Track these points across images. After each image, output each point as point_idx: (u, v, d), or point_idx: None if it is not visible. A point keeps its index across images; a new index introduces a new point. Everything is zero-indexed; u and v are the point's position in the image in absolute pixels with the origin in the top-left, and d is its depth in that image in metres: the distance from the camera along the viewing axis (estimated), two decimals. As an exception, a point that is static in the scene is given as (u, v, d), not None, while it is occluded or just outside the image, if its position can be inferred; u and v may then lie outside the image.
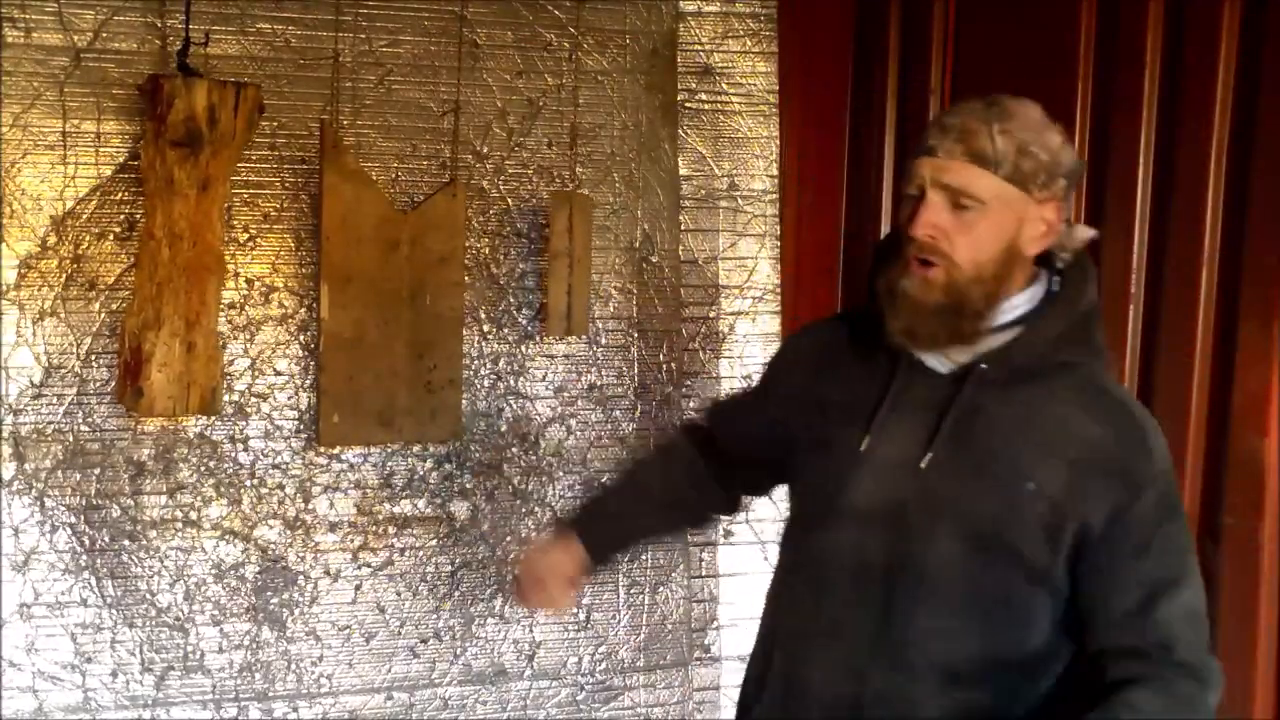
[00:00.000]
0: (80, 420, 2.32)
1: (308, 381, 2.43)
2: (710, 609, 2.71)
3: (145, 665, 2.38)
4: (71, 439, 2.32)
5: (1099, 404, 1.55)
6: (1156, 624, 1.51)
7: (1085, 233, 1.62)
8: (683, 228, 2.65)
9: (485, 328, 2.53)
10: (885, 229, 2.78)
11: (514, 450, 2.57)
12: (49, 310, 2.30)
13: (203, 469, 2.39)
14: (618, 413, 2.63)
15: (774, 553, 2.72)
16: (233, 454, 2.40)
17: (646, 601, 2.66)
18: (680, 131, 2.64)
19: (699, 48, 2.65)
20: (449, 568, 2.54)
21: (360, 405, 2.39)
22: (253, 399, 2.41)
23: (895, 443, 1.56)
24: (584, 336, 2.57)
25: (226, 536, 2.41)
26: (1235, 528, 2.11)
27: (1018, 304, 1.56)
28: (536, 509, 2.58)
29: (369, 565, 2.49)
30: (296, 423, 2.43)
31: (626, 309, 2.62)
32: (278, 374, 2.42)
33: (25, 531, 2.31)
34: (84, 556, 2.33)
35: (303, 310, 2.42)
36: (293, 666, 2.46)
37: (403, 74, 2.45)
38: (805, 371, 1.70)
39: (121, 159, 2.31)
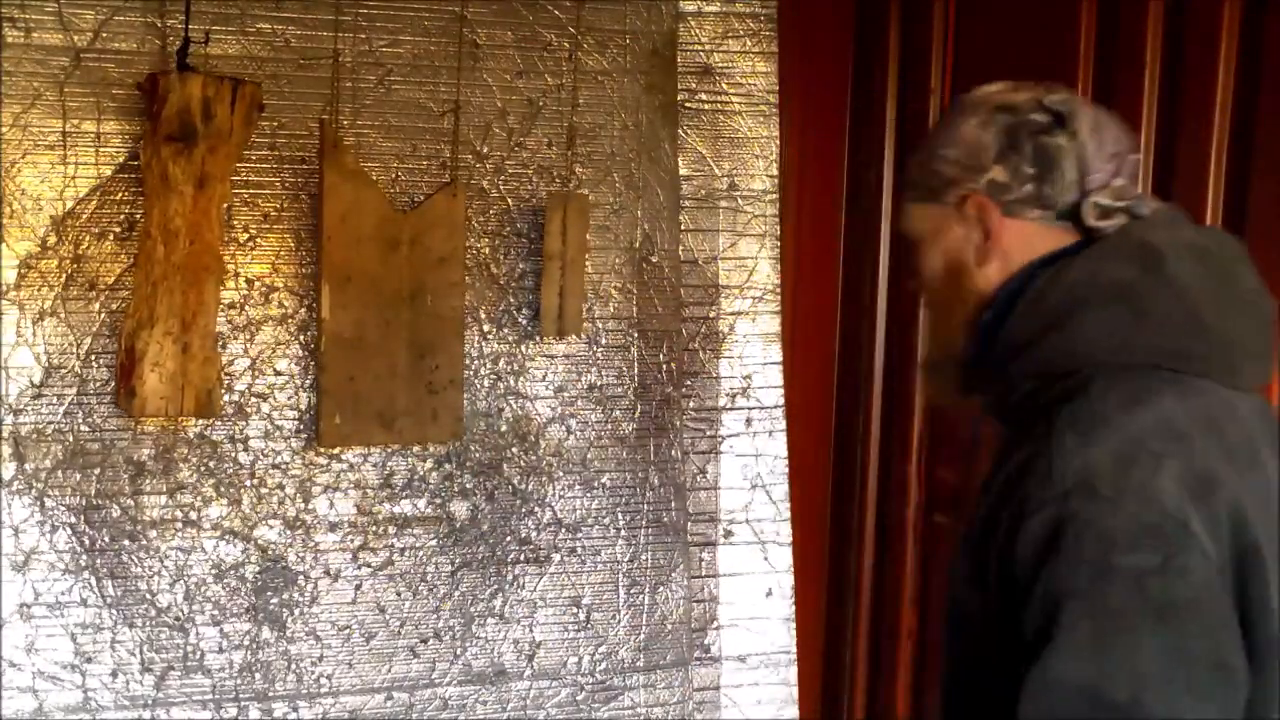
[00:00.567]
0: (80, 420, 2.32)
1: (308, 382, 2.43)
2: (710, 609, 2.71)
3: (145, 665, 2.38)
4: (71, 439, 2.32)
5: (1038, 422, 1.32)
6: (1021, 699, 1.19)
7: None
8: (683, 228, 2.65)
9: (485, 328, 2.53)
10: (885, 229, 2.79)
11: (514, 450, 2.57)
12: (49, 310, 2.30)
13: (203, 469, 2.39)
14: (618, 413, 2.63)
15: (774, 553, 2.74)
16: (233, 454, 2.41)
17: (646, 601, 2.66)
18: (680, 131, 2.64)
19: (699, 48, 2.65)
20: (449, 568, 2.54)
21: (361, 406, 2.39)
22: (253, 399, 2.41)
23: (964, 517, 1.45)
24: (584, 337, 2.57)
25: (226, 536, 2.41)
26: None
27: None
28: (536, 509, 2.58)
29: (369, 565, 2.50)
30: (296, 423, 2.43)
31: (626, 309, 2.62)
32: (278, 374, 2.42)
33: (25, 531, 2.31)
34: (84, 556, 2.33)
35: (303, 310, 2.42)
36: (293, 666, 2.46)
37: (403, 74, 2.45)
38: None
39: (121, 159, 2.31)
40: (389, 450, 2.49)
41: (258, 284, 2.40)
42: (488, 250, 2.53)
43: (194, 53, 2.23)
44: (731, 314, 2.69)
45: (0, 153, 2.25)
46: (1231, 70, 2.08)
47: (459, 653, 2.56)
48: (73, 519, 2.32)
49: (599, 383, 2.61)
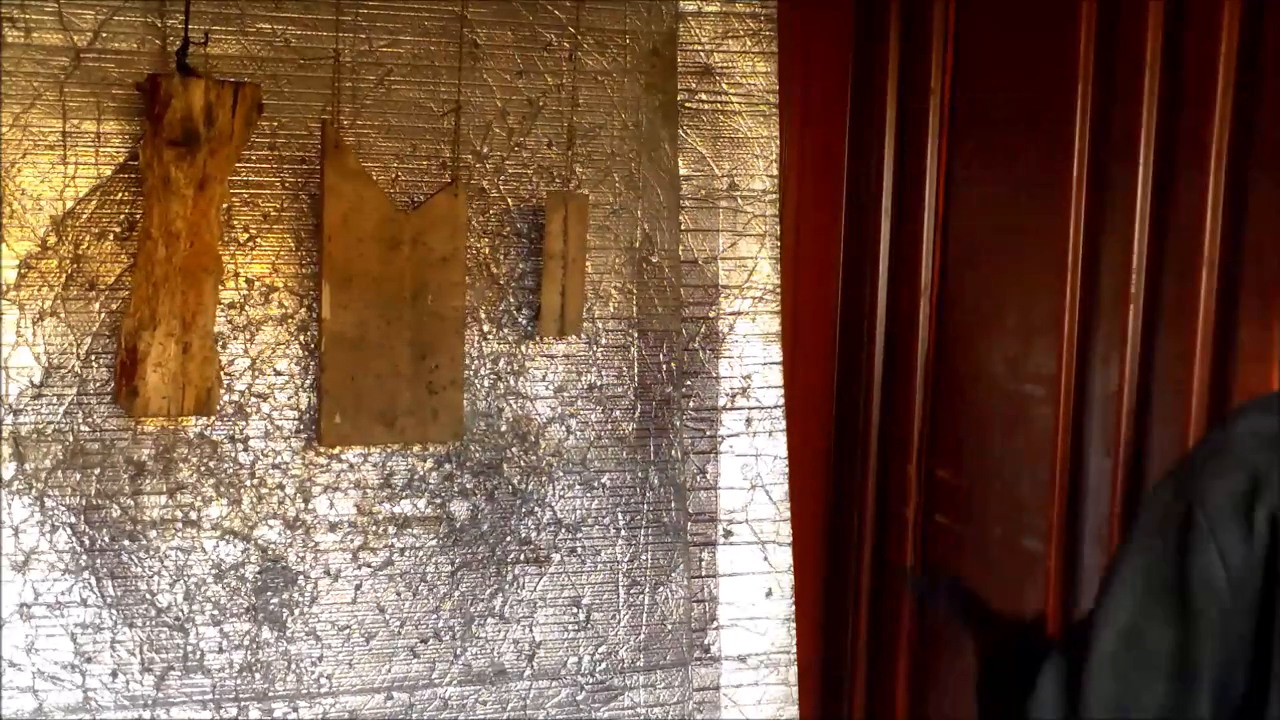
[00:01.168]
0: (80, 420, 2.32)
1: (308, 382, 2.43)
2: (710, 609, 2.71)
3: (145, 665, 2.38)
4: (71, 439, 2.32)
5: None
6: None
7: None
8: (683, 228, 2.65)
9: (485, 328, 2.53)
10: (886, 229, 2.79)
11: (514, 450, 2.57)
12: (49, 310, 2.30)
13: (203, 469, 2.39)
14: (618, 413, 2.63)
15: (774, 553, 2.74)
16: (233, 454, 2.41)
17: (646, 601, 2.66)
18: (680, 131, 2.64)
19: (699, 48, 2.65)
20: (449, 568, 2.54)
21: (362, 405, 2.40)
22: (253, 399, 2.41)
23: None
24: (584, 336, 2.57)
25: (226, 536, 2.41)
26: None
27: None
28: (536, 509, 2.58)
29: (369, 565, 2.50)
30: (297, 423, 2.43)
31: (626, 309, 2.62)
32: (278, 374, 2.42)
33: (25, 531, 2.31)
34: (84, 556, 2.33)
35: (303, 310, 2.42)
36: (293, 666, 2.46)
37: (403, 74, 2.45)
38: None
39: (121, 159, 2.31)
40: (389, 450, 2.49)
41: (258, 284, 2.40)
42: (488, 250, 2.53)
43: (194, 53, 2.23)
44: (731, 314, 2.69)
45: (0, 153, 2.25)
46: (1231, 70, 2.08)
47: (459, 653, 2.56)
48: (73, 519, 2.32)
49: (599, 383, 2.61)
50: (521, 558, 2.58)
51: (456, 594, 2.55)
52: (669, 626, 2.68)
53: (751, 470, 2.71)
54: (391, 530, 2.50)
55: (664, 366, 2.65)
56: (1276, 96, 2.03)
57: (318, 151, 2.37)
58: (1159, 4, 2.18)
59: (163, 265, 2.21)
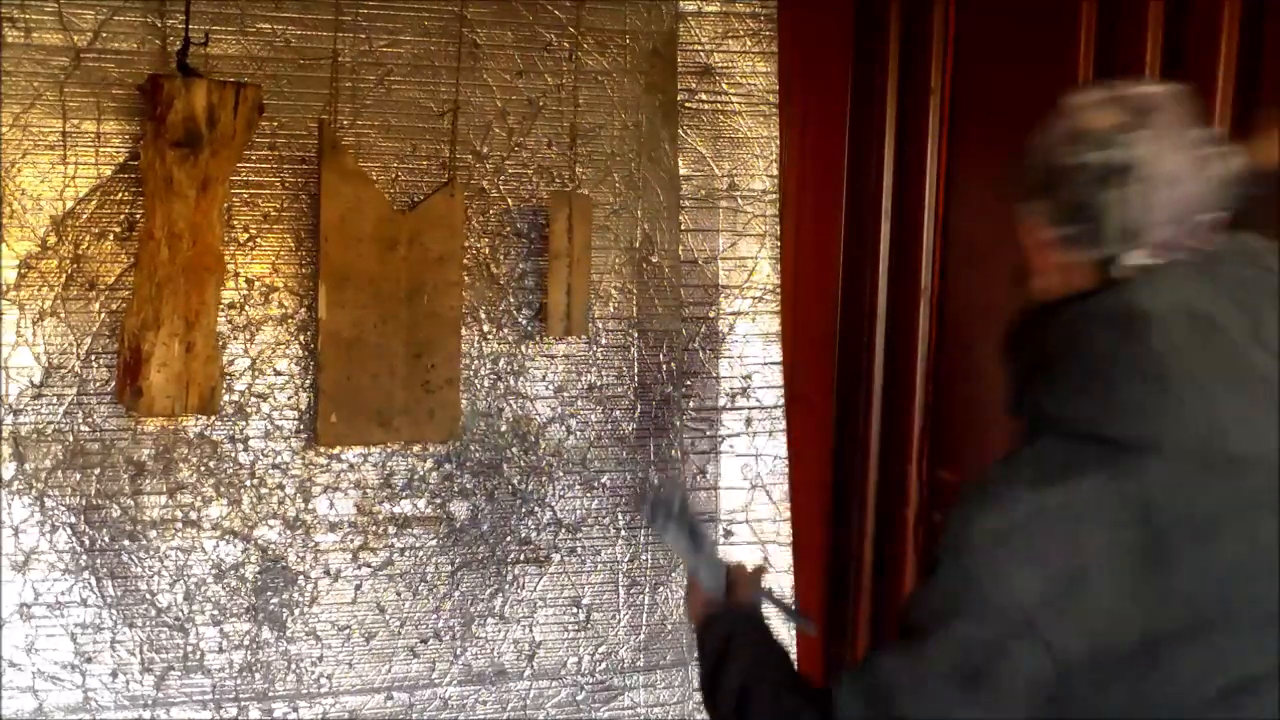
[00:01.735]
0: (80, 420, 2.32)
1: (307, 381, 2.43)
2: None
3: (145, 665, 2.38)
4: (71, 439, 2.32)
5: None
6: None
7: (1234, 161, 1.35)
8: (683, 228, 2.65)
9: (485, 328, 2.53)
10: (886, 229, 2.79)
11: (514, 450, 2.57)
12: (49, 310, 2.30)
13: (203, 469, 2.39)
14: (618, 413, 2.63)
15: (774, 553, 2.74)
16: (233, 454, 2.41)
17: (646, 601, 2.66)
18: (680, 131, 2.64)
19: (699, 48, 2.65)
20: (449, 568, 2.54)
21: (358, 405, 2.39)
22: (253, 399, 2.41)
23: None
24: (584, 336, 2.57)
25: (226, 536, 2.41)
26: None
27: None
28: (536, 509, 2.58)
29: (369, 565, 2.50)
30: (296, 423, 2.43)
31: (626, 309, 2.62)
32: (277, 374, 2.42)
33: (25, 531, 2.31)
34: (84, 556, 2.34)
35: (302, 310, 2.42)
36: (293, 666, 2.46)
37: (403, 74, 2.45)
38: None
39: (121, 159, 2.31)
40: (389, 450, 2.49)
41: (258, 284, 2.40)
42: (488, 250, 2.53)
43: (194, 53, 2.23)
44: (731, 314, 2.69)
45: (0, 153, 2.25)
46: (1231, 70, 2.08)
47: (459, 653, 2.56)
48: (73, 519, 2.32)
49: (599, 383, 2.61)
50: (521, 558, 2.58)
51: (456, 594, 2.55)
52: (669, 626, 2.68)
53: (751, 470, 2.71)
54: (391, 530, 2.50)
55: (664, 366, 2.65)
56: (1276, 97, 2.03)
57: (317, 151, 2.37)
58: (1159, 4, 2.18)
59: (165, 266, 2.21)
